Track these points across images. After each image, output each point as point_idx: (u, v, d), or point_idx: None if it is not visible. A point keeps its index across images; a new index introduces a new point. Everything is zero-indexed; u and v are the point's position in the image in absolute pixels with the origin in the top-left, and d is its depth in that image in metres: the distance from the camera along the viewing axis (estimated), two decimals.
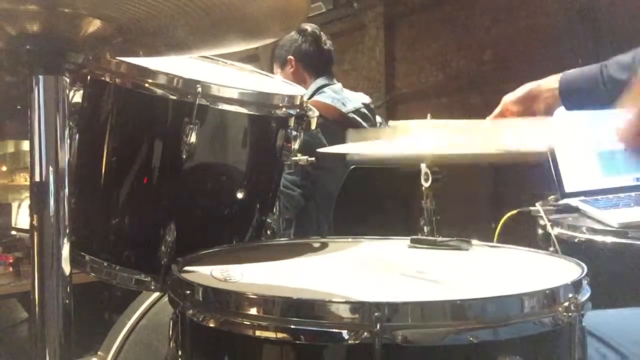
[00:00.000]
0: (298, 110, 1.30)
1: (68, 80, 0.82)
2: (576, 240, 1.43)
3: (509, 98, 1.43)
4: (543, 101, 1.40)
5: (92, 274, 1.22)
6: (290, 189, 2.21)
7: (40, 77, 0.80)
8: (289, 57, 2.48)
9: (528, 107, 1.41)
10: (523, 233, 1.60)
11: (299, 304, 0.81)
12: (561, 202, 1.62)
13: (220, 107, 1.17)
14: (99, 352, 1.47)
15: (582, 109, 1.46)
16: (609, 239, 1.39)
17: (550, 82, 1.40)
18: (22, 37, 0.79)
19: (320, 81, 2.49)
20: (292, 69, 2.48)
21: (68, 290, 0.83)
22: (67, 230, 0.82)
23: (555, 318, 0.83)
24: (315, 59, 2.52)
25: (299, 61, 2.49)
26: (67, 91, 0.83)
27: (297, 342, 0.80)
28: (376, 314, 0.75)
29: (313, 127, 1.36)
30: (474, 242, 1.23)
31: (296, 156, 1.33)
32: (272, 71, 2.54)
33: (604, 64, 1.36)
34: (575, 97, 1.39)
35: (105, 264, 1.20)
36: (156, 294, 1.44)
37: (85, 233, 1.20)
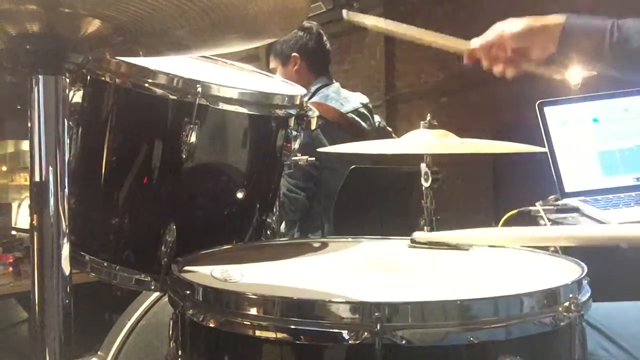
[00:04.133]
0: (298, 110, 1.30)
1: (68, 80, 0.82)
2: None
3: (508, 30, 1.28)
4: (542, 41, 1.25)
5: (92, 274, 1.22)
6: (295, 192, 2.21)
7: (40, 77, 0.80)
8: (294, 54, 2.46)
9: (526, 44, 1.26)
10: None
11: (299, 304, 0.81)
12: (561, 202, 1.62)
13: (220, 107, 1.17)
14: (99, 352, 1.46)
15: (576, 61, 1.30)
16: None
17: (556, 19, 1.24)
18: (22, 37, 0.79)
19: (320, 81, 2.48)
20: (295, 67, 2.46)
21: (68, 290, 0.83)
22: (67, 230, 0.82)
23: (556, 318, 0.83)
24: (318, 58, 2.51)
25: (304, 59, 2.47)
26: (67, 91, 0.83)
27: (297, 342, 0.80)
28: (376, 314, 0.75)
29: (313, 126, 1.36)
30: None
31: (296, 156, 1.33)
32: (268, 66, 2.52)
33: (617, 21, 1.19)
34: (574, 45, 1.23)
35: (105, 264, 1.20)
36: (156, 294, 1.44)
37: (85, 233, 1.20)
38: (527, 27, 1.26)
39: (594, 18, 1.23)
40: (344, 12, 1.43)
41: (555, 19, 1.25)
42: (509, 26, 1.28)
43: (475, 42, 1.33)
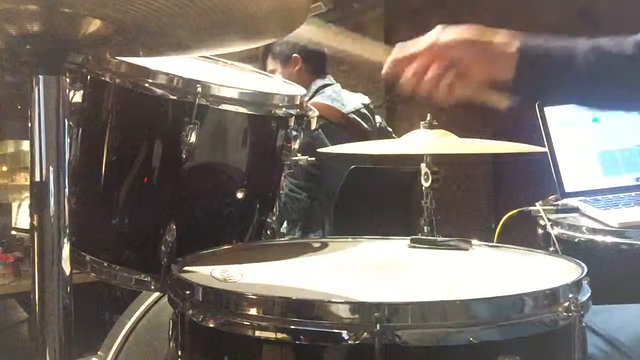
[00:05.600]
0: (298, 110, 1.29)
1: (68, 80, 0.82)
2: (576, 240, 1.43)
3: (442, 38, 0.98)
4: (489, 62, 0.97)
5: (92, 274, 1.22)
6: (297, 192, 2.22)
7: (41, 77, 0.80)
8: (295, 55, 2.47)
9: (465, 60, 0.97)
10: (523, 233, 1.59)
11: (299, 304, 0.81)
12: (561, 202, 1.62)
13: (220, 107, 1.17)
14: (99, 352, 1.46)
15: (538, 94, 1.06)
16: (609, 239, 1.39)
17: (507, 38, 0.97)
18: (22, 37, 0.79)
19: (320, 82, 2.49)
20: (296, 68, 2.47)
21: (68, 290, 0.83)
22: (67, 230, 0.82)
23: (555, 318, 0.83)
24: (319, 59, 2.52)
25: (304, 60, 2.48)
26: (67, 91, 0.83)
27: (297, 342, 0.80)
28: (376, 314, 0.75)
29: (313, 127, 1.36)
30: (474, 242, 1.23)
31: (296, 156, 1.33)
32: (265, 67, 2.52)
33: (592, 41, 0.95)
34: (536, 72, 0.96)
35: (105, 264, 1.20)
36: (156, 294, 1.44)
37: (85, 233, 1.20)
38: (469, 38, 0.98)
39: (557, 38, 0.98)
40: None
41: (506, 38, 0.98)
42: (445, 34, 0.99)
43: (399, 50, 1.02)
